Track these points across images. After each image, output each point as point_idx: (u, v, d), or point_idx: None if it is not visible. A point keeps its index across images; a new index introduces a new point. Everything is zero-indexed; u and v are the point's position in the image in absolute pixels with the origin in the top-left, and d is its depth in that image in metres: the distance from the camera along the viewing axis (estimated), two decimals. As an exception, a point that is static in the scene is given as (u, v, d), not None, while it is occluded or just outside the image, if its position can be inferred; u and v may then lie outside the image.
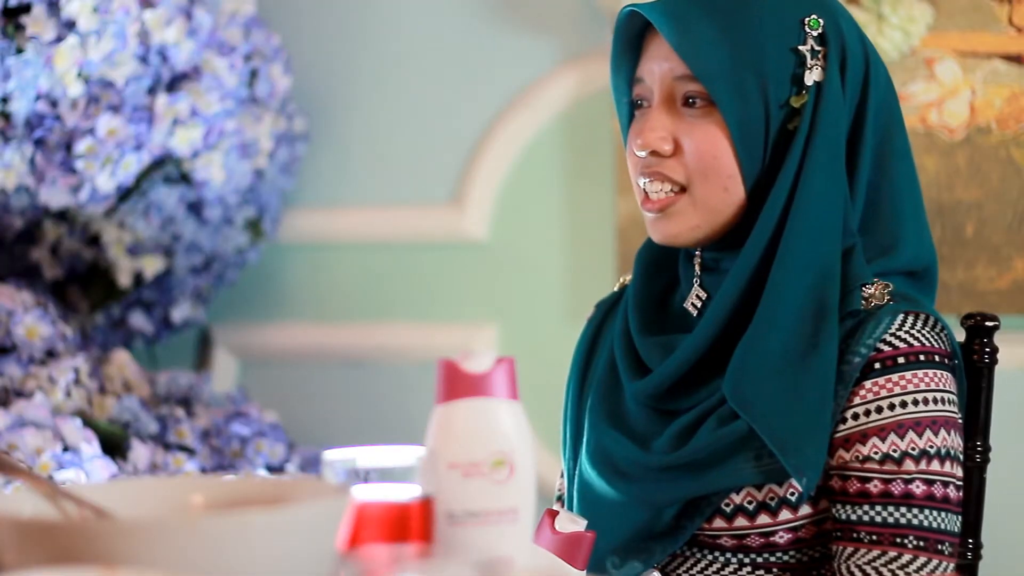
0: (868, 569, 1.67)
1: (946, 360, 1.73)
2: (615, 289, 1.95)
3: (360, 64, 3.05)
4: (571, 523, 1.68)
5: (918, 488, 1.68)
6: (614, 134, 2.86)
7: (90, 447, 2.42)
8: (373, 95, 3.04)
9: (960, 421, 1.74)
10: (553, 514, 1.69)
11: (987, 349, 1.84)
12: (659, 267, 1.85)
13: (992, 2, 2.63)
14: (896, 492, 1.68)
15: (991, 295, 2.65)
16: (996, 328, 1.85)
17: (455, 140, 3.00)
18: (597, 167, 2.90)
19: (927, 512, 1.68)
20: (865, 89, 1.76)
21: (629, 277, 1.91)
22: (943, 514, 1.69)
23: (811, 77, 1.73)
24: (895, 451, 1.69)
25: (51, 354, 2.61)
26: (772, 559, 1.73)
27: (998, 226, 2.64)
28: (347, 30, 3.06)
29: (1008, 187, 2.64)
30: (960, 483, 1.72)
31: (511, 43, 2.96)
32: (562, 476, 1.92)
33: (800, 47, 1.73)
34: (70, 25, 2.57)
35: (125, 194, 2.74)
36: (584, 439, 1.83)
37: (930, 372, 1.71)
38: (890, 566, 1.67)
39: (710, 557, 1.75)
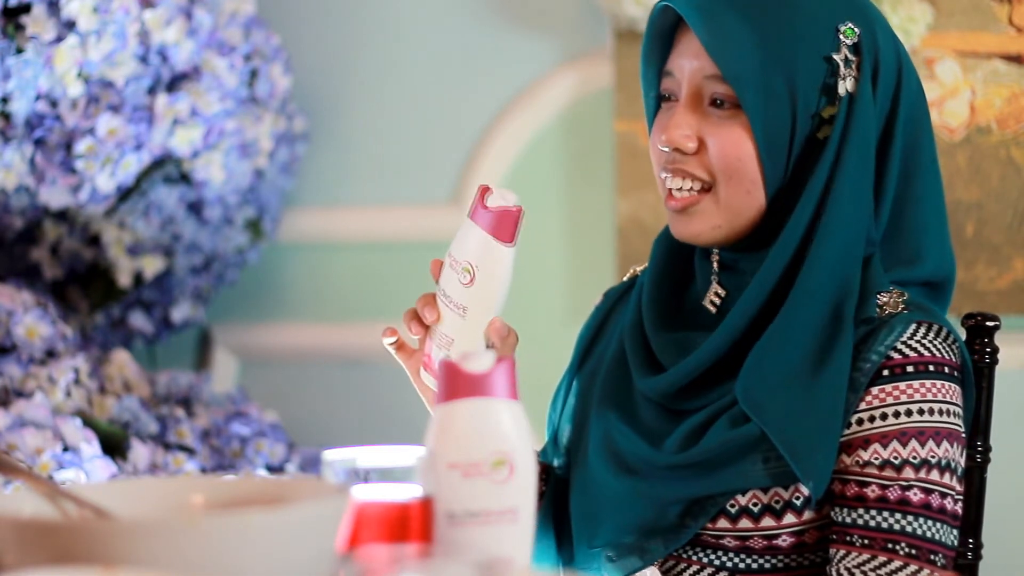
0: (857, 572, 1.66)
1: (955, 372, 1.72)
2: (625, 279, 1.94)
3: (360, 64, 3.05)
4: (502, 199, 1.71)
5: (915, 496, 1.67)
6: (614, 134, 2.86)
7: (90, 447, 2.42)
8: (373, 95, 3.04)
9: (964, 436, 1.73)
10: (485, 191, 1.72)
11: (988, 349, 1.83)
12: (676, 259, 1.84)
13: (992, 2, 2.63)
14: (892, 498, 1.67)
15: (991, 295, 2.64)
16: (997, 328, 1.85)
17: (455, 140, 3.00)
18: (597, 167, 2.90)
19: (922, 520, 1.67)
20: (895, 100, 1.75)
21: (639, 268, 1.91)
22: (938, 524, 1.68)
23: (843, 87, 1.71)
24: (896, 458, 1.68)
25: (51, 354, 2.61)
26: (774, 561, 1.73)
27: (998, 226, 2.64)
28: (347, 30, 3.06)
29: (1008, 187, 2.64)
30: (959, 497, 1.70)
31: (511, 43, 2.96)
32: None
33: (833, 56, 1.71)
34: (70, 25, 2.57)
35: (125, 194, 2.73)
36: (590, 430, 1.83)
37: (938, 383, 1.70)
38: (879, 571, 1.66)
39: (712, 556, 1.75)
